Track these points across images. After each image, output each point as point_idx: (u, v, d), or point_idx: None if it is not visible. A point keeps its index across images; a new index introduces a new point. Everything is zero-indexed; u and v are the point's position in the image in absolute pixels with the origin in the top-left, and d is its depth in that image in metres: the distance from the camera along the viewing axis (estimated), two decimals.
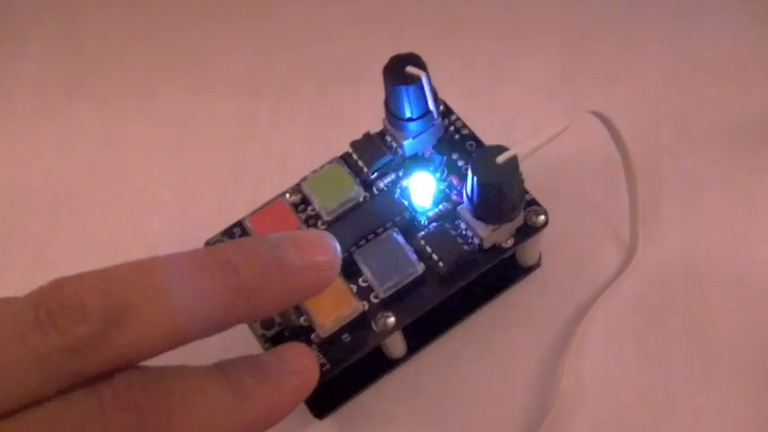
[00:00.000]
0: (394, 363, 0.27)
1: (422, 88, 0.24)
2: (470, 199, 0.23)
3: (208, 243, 0.26)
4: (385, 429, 0.26)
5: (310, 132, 0.32)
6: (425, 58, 0.25)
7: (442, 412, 0.27)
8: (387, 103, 0.25)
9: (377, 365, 0.27)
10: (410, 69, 0.24)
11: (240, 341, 0.27)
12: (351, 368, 0.25)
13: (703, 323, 0.27)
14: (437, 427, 0.26)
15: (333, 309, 0.24)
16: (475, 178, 0.22)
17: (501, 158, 0.22)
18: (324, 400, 0.26)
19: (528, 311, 0.28)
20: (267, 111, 0.33)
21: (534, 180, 0.26)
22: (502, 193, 0.23)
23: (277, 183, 0.27)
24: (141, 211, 0.31)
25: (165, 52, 0.35)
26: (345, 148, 0.27)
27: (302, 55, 0.34)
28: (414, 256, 0.24)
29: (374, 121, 0.27)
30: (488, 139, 0.27)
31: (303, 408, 0.27)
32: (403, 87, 0.24)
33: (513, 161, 0.22)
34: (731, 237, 0.28)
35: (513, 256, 0.27)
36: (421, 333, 0.27)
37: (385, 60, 0.25)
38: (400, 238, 0.25)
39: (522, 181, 0.24)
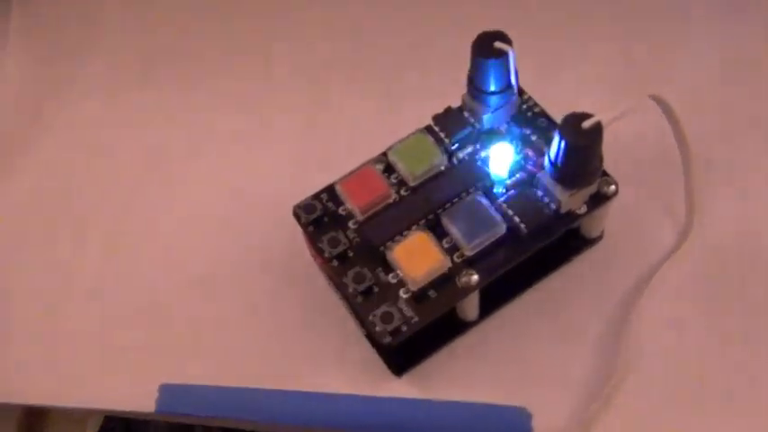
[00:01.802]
0: (467, 326, 0.29)
1: (506, 63, 0.26)
2: (553, 163, 0.25)
3: (298, 207, 0.28)
4: (456, 388, 0.28)
5: (389, 108, 0.34)
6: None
7: (508, 375, 0.28)
8: (471, 77, 0.27)
9: (451, 328, 0.28)
10: (498, 44, 0.26)
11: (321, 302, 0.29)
12: (427, 330, 0.26)
13: (756, 296, 0.29)
14: (504, 388, 0.28)
15: (423, 264, 0.25)
16: (563, 141, 0.24)
17: (587, 123, 0.24)
18: (402, 360, 0.28)
19: (590, 283, 0.30)
20: (348, 87, 0.35)
21: None
22: (587, 156, 0.24)
23: (361, 156, 0.28)
24: (222, 189, 0.33)
25: (237, 38, 0.37)
26: (426, 122, 0.29)
27: (381, 32, 0.36)
28: (497, 217, 0.26)
29: (450, 98, 0.29)
30: (556, 119, 0.29)
31: (383, 366, 0.28)
32: (491, 60, 0.26)
33: (598, 127, 0.24)
34: None
35: (578, 229, 0.29)
36: (491, 299, 0.28)
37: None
38: (485, 200, 0.26)
39: (601, 148, 0.25)
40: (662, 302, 0.29)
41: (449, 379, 0.28)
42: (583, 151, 0.24)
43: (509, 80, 0.27)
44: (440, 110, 0.28)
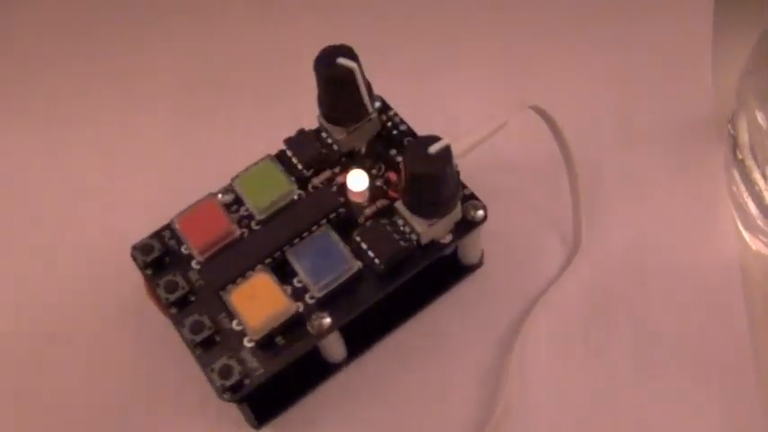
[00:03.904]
0: (334, 368, 0.26)
1: (354, 80, 0.24)
2: (406, 192, 0.23)
3: (135, 247, 0.25)
4: None
5: (245, 131, 0.31)
6: (364, 53, 0.24)
7: (383, 417, 0.26)
8: (320, 97, 0.25)
9: (316, 371, 0.26)
10: (341, 60, 0.23)
11: (170, 348, 0.26)
12: (289, 375, 0.24)
13: (645, 316, 0.27)
14: None
15: (264, 310, 0.23)
16: (408, 170, 0.22)
17: (434, 148, 0.21)
18: (262, 409, 0.25)
19: (472, 311, 0.27)
20: (199, 110, 0.32)
21: (477, 178, 0.26)
22: (435, 183, 0.22)
23: (211, 184, 0.26)
24: (70, 216, 0.30)
25: (98, 55, 0.35)
26: (281, 145, 0.26)
27: (236, 50, 0.34)
28: (348, 254, 0.23)
29: (310, 117, 0.26)
30: None
31: (240, 418, 0.25)
32: (334, 78, 0.23)
33: (447, 151, 0.22)
34: (670, 232, 0.28)
35: (455, 255, 0.27)
36: (362, 336, 0.26)
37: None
38: (334, 235, 0.24)
39: (457, 173, 0.23)
40: (548, 329, 0.27)
41: (315, 428, 0.26)
42: (431, 179, 0.22)
43: (360, 96, 0.24)
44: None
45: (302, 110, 0.27)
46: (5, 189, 0.31)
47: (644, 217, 0.29)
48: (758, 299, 0.27)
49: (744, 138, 0.27)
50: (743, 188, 0.27)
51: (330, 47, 0.24)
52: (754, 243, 0.27)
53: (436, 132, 0.23)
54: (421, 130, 0.27)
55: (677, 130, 0.30)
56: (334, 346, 0.25)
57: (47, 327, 0.28)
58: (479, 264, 0.28)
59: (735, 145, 0.28)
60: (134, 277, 0.26)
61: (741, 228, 0.28)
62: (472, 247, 0.26)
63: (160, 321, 0.26)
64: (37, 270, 0.29)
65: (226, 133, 0.31)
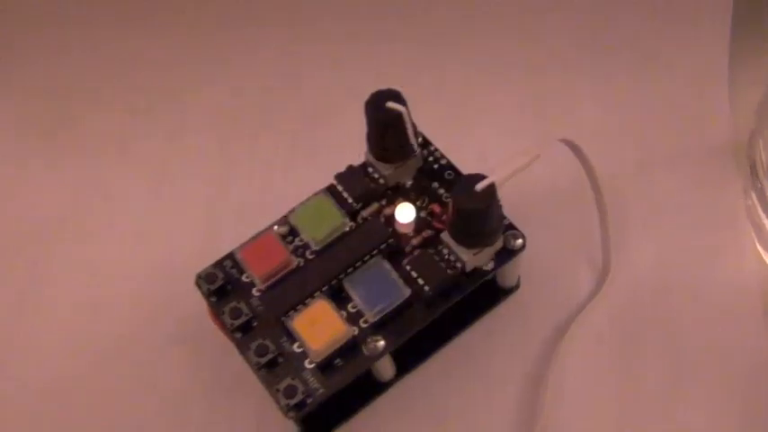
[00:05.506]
0: (384, 386, 0.28)
1: (402, 122, 0.26)
2: (452, 225, 0.25)
3: (199, 276, 0.27)
4: None
5: (294, 167, 0.33)
6: (403, 93, 0.26)
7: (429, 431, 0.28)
8: (368, 136, 0.27)
9: (368, 389, 0.28)
10: (391, 104, 0.25)
11: (235, 368, 0.28)
12: (343, 392, 0.26)
13: (675, 336, 0.28)
14: None
15: (324, 334, 0.25)
16: (457, 206, 0.23)
17: (480, 186, 0.23)
18: (318, 425, 0.27)
19: (509, 333, 0.29)
20: (250, 146, 0.34)
21: (510, 207, 0.27)
22: (481, 218, 0.24)
23: (264, 217, 0.28)
24: (128, 253, 0.32)
25: (142, 95, 0.36)
26: (330, 180, 0.28)
27: (284, 92, 0.36)
28: (399, 282, 0.25)
29: (357, 153, 0.28)
30: (464, 170, 0.28)
31: None
32: (384, 121, 0.25)
33: (491, 188, 0.24)
34: (693, 254, 0.30)
35: (493, 279, 0.29)
36: (409, 356, 0.28)
37: (365, 95, 0.26)
38: (386, 264, 0.26)
39: (500, 206, 0.25)
40: (581, 349, 0.28)
41: None
42: (478, 214, 0.24)
43: (407, 137, 0.26)
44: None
45: (346, 148, 0.29)
46: (73, 224, 0.33)
47: (668, 241, 0.30)
48: None
49: (761, 160, 0.29)
50: (760, 210, 0.29)
51: (380, 91, 0.26)
52: None
53: (469, 165, 0.25)
54: (457, 164, 0.29)
55: (698, 156, 0.32)
56: (385, 366, 0.27)
57: (114, 352, 0.30)
58: (516, 287, 0.29)
59: (752, 167, 0.29)
60: (191, 304, 0.28)
61: (760, 248, 0.30)
62: (511, 272, 0.28)
63: (217, 346, 0.28)
64: (105, 299, 0.31)
65: (274, 169, 0.33)
